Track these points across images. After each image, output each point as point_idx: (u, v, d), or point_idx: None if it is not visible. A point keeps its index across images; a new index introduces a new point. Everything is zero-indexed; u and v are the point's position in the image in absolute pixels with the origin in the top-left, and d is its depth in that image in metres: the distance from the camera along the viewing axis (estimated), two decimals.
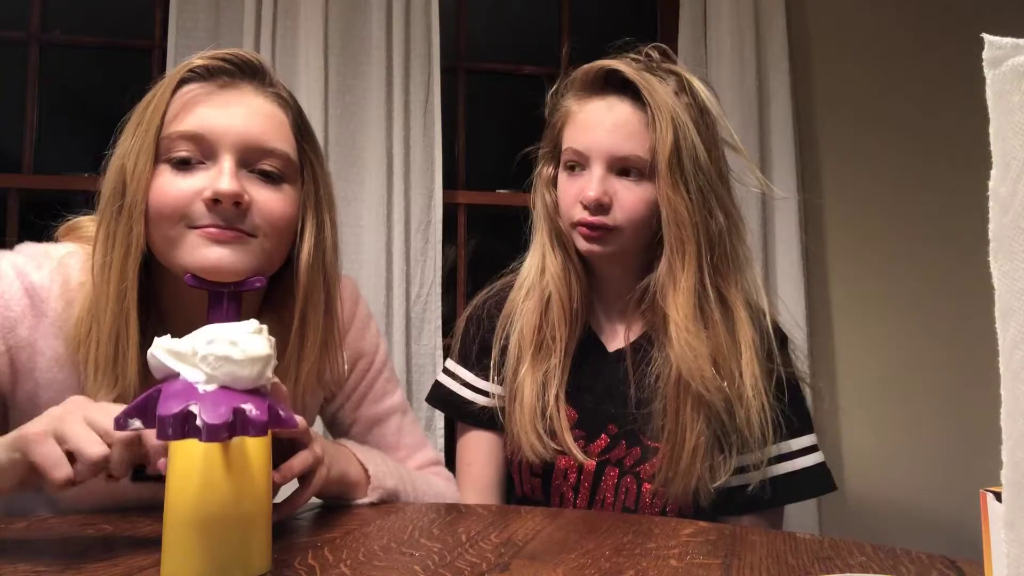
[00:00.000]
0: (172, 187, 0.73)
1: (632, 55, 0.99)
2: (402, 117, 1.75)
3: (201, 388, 0.53)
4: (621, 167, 0.95)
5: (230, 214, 0.72)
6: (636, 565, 0.62)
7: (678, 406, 0.94)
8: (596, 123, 0.96)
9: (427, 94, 1.80)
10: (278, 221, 0.76)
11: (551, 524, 0.78)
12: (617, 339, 1.04)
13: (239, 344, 0.53)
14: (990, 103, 0.32)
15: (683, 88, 0.97)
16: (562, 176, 0.99)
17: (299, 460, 0.72)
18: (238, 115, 0.75)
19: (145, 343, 0.65)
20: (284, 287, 0.81)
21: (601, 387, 1.01)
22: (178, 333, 0.63)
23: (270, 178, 0.76)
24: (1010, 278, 0.32)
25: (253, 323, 0.55)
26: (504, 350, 1.02)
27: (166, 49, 1.78)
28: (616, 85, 0.96)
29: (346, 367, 0.95)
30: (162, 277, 0.79)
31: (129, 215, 0.73)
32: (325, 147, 1.69)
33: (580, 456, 0.98)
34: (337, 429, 1.00)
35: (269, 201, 0.75)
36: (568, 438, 0.97)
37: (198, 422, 0.50)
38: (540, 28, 2.18)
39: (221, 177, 0.72)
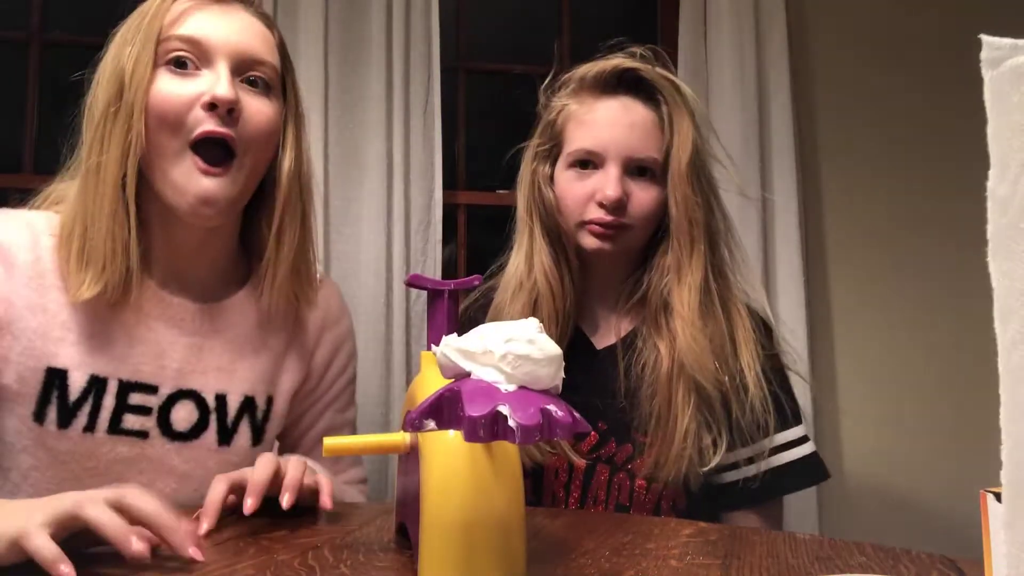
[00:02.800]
0: (172, 90, 0.76)
1: (623, 55, 1.00)
2: (402, 117, 1.75)
3: (503, 388, 0.49)
4: (636, 167, 0.96)
5: (225, 119, 0.76)
6: (636, 565, 0.62)
7: (670, 393, 0.94)
8: (611, 122, 0.96)
9: (427, 94, 1.80)
10: (264, 131, 0.81)
11: (551, 524, 0.78)
12: (606, 336, 1.04)
13: (537, 343, 0.50)
14: (988, 104, 0.32)
15: (679, 91, 0.99)
16: (567, 174, 0.99)
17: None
18: (233, 26, 0.80)
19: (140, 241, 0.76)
20: (263, 199, 0.86)
21: (590, 385, 1.01)
22: (160, 271, 0.75)
23: (259, 86, 0.81)
24: (1009, 278, 0.32)
25: (535, 322, 0.53)
26: None
27: None
28: (629, 84, 0.97)
29: (329, 348, 0.98)
30: (150, 211, 0.82)
31: (128, 115, 0.76)
32: (325, 147, 1.69)
33: (574, 457, 0.98)
34: (295, 432, 1.00)
35: (259, 112, 0.80)
36: (564, 442, 0.97)
37: (510, 423, 0.46)
38: (540, 28, 2.18)
39: (219, 83, 0.76)
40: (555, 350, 0.51)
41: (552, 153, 1.02)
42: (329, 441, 0.60)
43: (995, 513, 0.42)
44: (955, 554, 0.67)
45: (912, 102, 2.04)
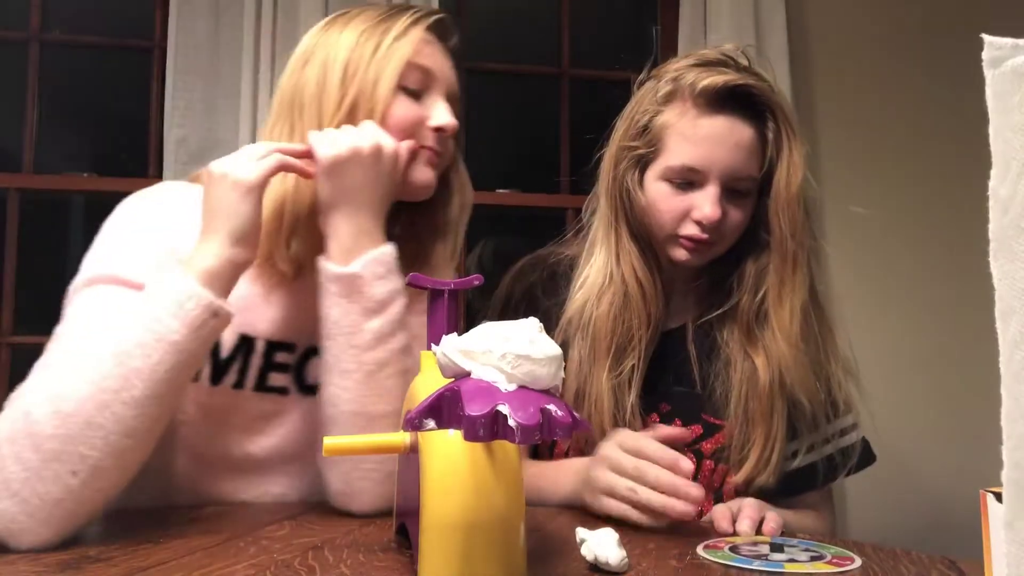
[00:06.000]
0: (407, 113, 0.86)
1: (720, 55, 0.97)
2: None
3: (502, 387, 0.49)
4: (734, 187, 0.95)
5: (442, 141, 0.88)
6: (636, 565, 0.62)
7: (771, 407, 0.95)
8: (717, 142, 0.93)
9: None
10: (452, 154, 0.93)
11: (551, 523, 0.78)
12: (673, 319, 1.04)
13: (536, 343, 0.50)
14: (990, 103, 0.32)
15: (790, 110, 0.98)
16: (661, 186, 0.96)
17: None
18: (448, 67, 0.91)
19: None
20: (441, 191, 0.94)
21: (653, 367, 1.00)
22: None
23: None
24: (1010, 278, 0.32)
25: (535, 321, 0.53)
26: (564, 345, 0.98)
27: (166, 49, 1.78)
28: (736, 100, 0.94)
29: None
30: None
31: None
32: None
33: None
34: None
35: (455, 125, 0.89)
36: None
37: (510, 423, 0.46)
38: (540, 28, 2.18)
39: (444, 112, 0.88)
40: (555, 350, 0.51)
41: (644, 158, 0.98)
42: (329, 441, 0.60)
43: (995, 513, 0.42)
44: (955, 554, 0.67)
45: (912, 102, 2.04)
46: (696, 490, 0.78)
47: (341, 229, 0.78)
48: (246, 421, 0.86)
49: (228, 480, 0.86)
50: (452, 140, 0.92)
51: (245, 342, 0.85)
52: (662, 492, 0.79)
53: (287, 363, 0.87)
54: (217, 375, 0.84)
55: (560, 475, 0.94)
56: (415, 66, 0.86)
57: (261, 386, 0.86)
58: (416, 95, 0.87)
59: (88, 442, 0.64)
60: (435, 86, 0.89)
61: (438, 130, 0.87)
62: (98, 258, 0.79)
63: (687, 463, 0.80)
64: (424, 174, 0.88)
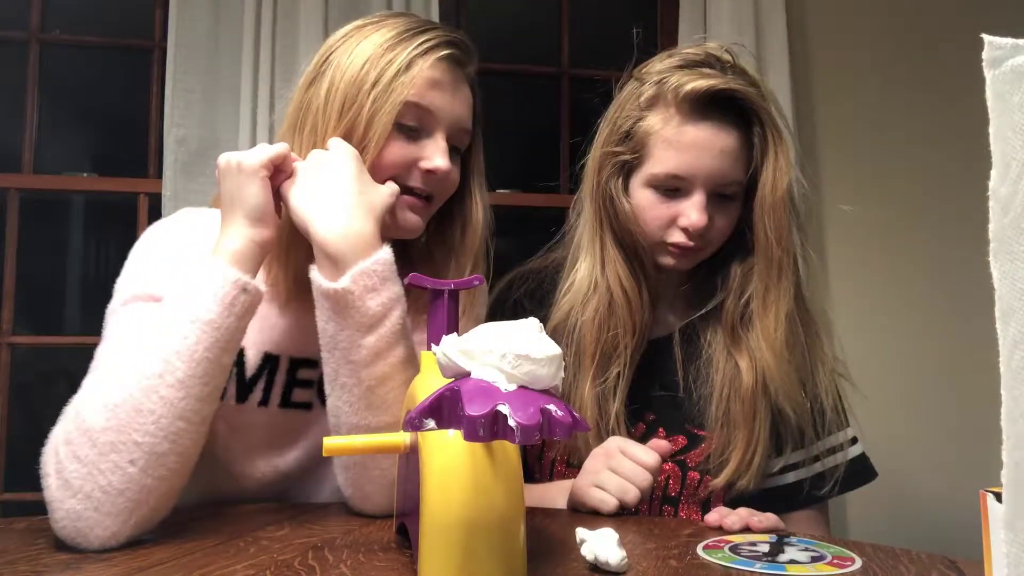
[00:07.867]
0: (401, 153, 0.85)
1: (705, 54, 0.95)
2: None
3: (503, 387, 0.49)
4: (720, 192, 0.94)
5: (434, 183, 0.87)
6: (636, 565, 0.62)
7: (755, 409, 0.95)
8: (703, 149, 0.91)
9: None
10: (453, 188, 0.91)
11: (552, 523, 0.78)
12: (659, 326, 1.03)
13: (536, 343, 0.50)
14: (990, 103, 0.32)
15: (777, 112, 0.97)
16: (647, 193, 0.95)
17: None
18: (456, 101, 0.88)
19: None
20: (445, 215, 0.94)
21: (639, 375, 0.99)
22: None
23: (457, 152, 0.91)
24: (1010, 278, 0.32)
25: (535, 321, 0.53)
26: None
27: (166, 49, 1.78)
28: (720, 103, 0.92)
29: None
30: None
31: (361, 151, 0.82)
32: None
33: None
34: None
35: (456, 174, 0.90)
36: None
37: (510, 423, 0.46)
38: (540, 28, 2.18)
39: (439, 155, 0.85)
40: (555, 350, 0.51)
41: (628, 164, 0.96)
42: (329, 441, 0.60)
43: (995, 513, 0.42)
44: (955, 554, 0.67)
45: (912, 102, 2.04)
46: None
47: (323, 239, 0.75)
48: (273, 437, 0.87)
49: (259, 493, 0.87)
50: (456, 172, 0.89)
51: (269, 361, 0.86)
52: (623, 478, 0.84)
53: (310, 379, 0.88)
54: (242, 394, 0.85)
55: (555, 493, 0.94)
56: (414, 105, 0.84)
57: (286, 403, 0.87)
58: (414, 132, 0.85)
59: (141, 428, 0.65)
60: (436, 125, 0.86)
61: (429, 172, 0.86)
62: (128, 281, 0.81)
63: (661, 445, 0.87)
64: (406, 219, 0.87)
